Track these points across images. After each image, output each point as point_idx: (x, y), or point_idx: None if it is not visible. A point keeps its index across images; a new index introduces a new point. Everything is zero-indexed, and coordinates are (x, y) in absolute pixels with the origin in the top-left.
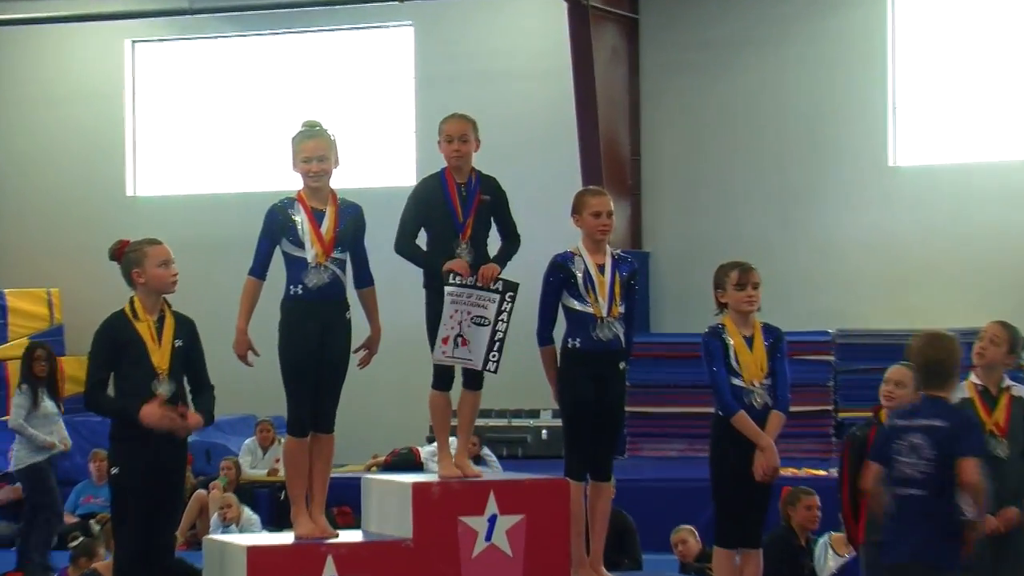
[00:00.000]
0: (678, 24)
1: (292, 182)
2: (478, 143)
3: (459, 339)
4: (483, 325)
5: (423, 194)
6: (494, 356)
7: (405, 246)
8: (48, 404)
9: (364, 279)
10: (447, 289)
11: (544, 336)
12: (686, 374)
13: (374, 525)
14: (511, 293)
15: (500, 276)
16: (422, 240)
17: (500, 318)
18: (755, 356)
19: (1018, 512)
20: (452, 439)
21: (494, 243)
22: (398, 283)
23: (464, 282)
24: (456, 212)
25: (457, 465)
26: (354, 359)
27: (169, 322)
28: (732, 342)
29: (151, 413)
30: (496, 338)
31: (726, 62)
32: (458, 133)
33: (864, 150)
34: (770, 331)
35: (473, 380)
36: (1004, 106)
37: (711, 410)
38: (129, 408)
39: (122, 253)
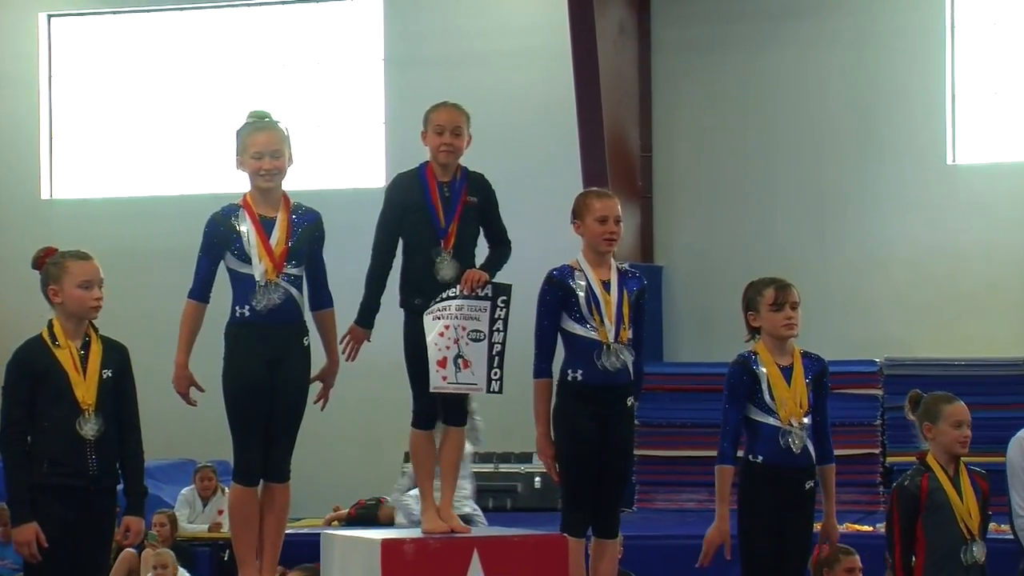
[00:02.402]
0: None
1: (238, 183)
2: (469, 139)
3: (459, 361)
4: (480, 340)
5: (397, 194)
6: (495, 374)
7: (373, 272)
8: None
9: (321, 300)
10: (431, 309)
11: (542, 367)
12: (706, 411)
13: None
14: (503, 297)
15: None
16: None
17: (495, 328)
18: (794, 390)
19: None
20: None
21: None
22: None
23: (449, 295)
24: (437, 216)
25: (443, 518)
26: (311, 396)
27: (96, 349)
28: (766, 372)
29: (24, 540)
30: (494, 352)
31: (755, 41)
32: (451, 124)
33: (918, 146)
34: (812, 360)
35: (457, 415)
36: None
37: (737, 454)
38: (20, 504)
39: (44, 263)
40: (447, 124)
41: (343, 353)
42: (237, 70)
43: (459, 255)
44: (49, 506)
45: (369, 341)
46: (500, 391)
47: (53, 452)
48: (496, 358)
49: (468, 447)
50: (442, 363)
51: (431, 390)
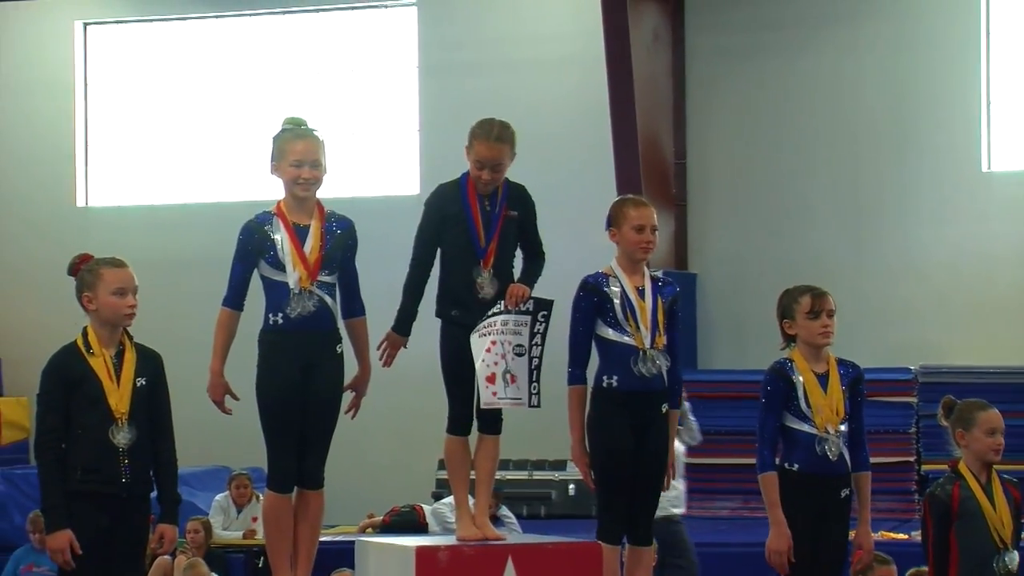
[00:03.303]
0: (731, 1)
1: (272, 191)
2: (513, 156)
3: (508, 376)
4: (522, 355)
5: (437, 204)
6: (534, 388)
7: (411, 280)
8: None
9: (353, 308)
10: (477, 328)
11: (576, 374)
12: (741, 419)
13: None
14: (544, 312)
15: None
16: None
17: (534, 342)
18: (830, 398)
19: None
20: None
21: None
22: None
23: (493, 312)
24: (477, 233)
25: (477, 525)
26: (344, 405)
27: (130, 357)
28: (802, 379)
29: (58, 547)
30: (533, 366)
31: (789, 48)
32: (491, 161)
33: (953, 152)
34: (848, 368)
35: (492, 423)
36: None
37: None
38: (54, 511)
39: (79, 270)
40: (487, 160)
41: (380, 360)
42: (272, 78)
43: (498, 273)
44: (82, 513)
45: (406, 348)
46: (539, 405)
47: (86, 460)
48: (535, 372)
49: (682, 445)
50: (491, 379)
51: (483, 407)
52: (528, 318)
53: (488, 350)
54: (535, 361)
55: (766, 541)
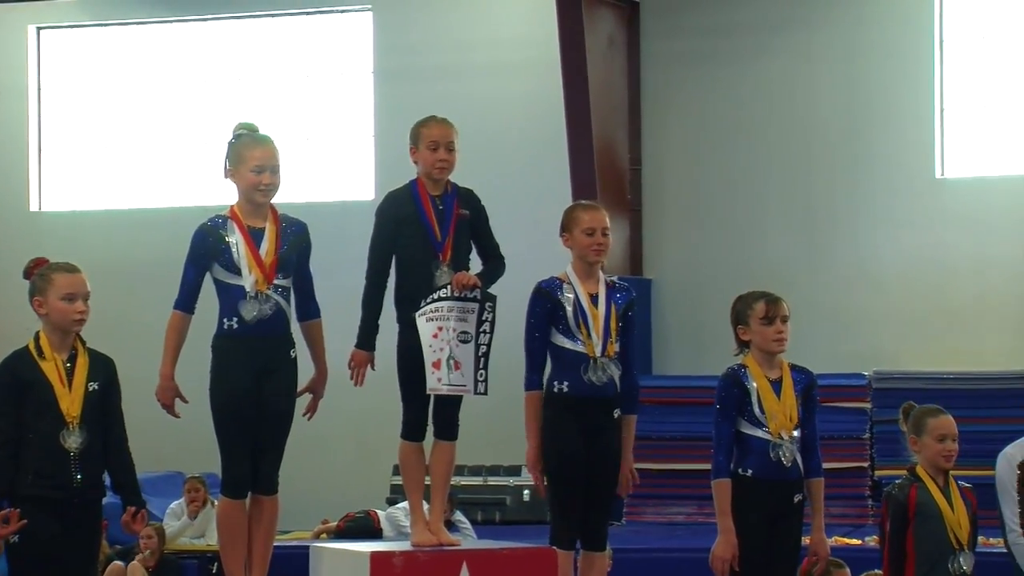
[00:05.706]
0: (686, 7)
1: (226, 195)
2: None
3: (452, 362)
4: (467, 342)
5: (390, 211)
6: (481, 375)
7: (370, 293)
8: None
9: (309, 310)
10: (423, 310)
11: (532, 379)
12: (695, 424)
13: None
14: (490, 303)
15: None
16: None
17: (482, 329)
18: (784, 403)
19: None
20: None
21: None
22: (353, 313)
23: (440, 296)
24: (433, 230)
25: (432, 531)
26: (299, 408)
27: (82, 362)
28: (756, 385)
29: None
30: (480, 353)
31: (744, 53)
32: (445, 140)
33: (907, 159)
34: (801, 374)
35: (448, 429)
36: None
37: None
38: None
39: (33, 274)
40: (441, 140)
41: (351, 379)
42: (227, 82)
43: (456, 267)
44: (33, 518)
45: (373, 366)
46: (485, 392)
47: (37, 464)
48: (482, 359)
49: None
50: (436, 365)
51: (427, 391)
52: (476, 306)
53: (435, 336)
54: (482, 348)
55: (712, 547)
